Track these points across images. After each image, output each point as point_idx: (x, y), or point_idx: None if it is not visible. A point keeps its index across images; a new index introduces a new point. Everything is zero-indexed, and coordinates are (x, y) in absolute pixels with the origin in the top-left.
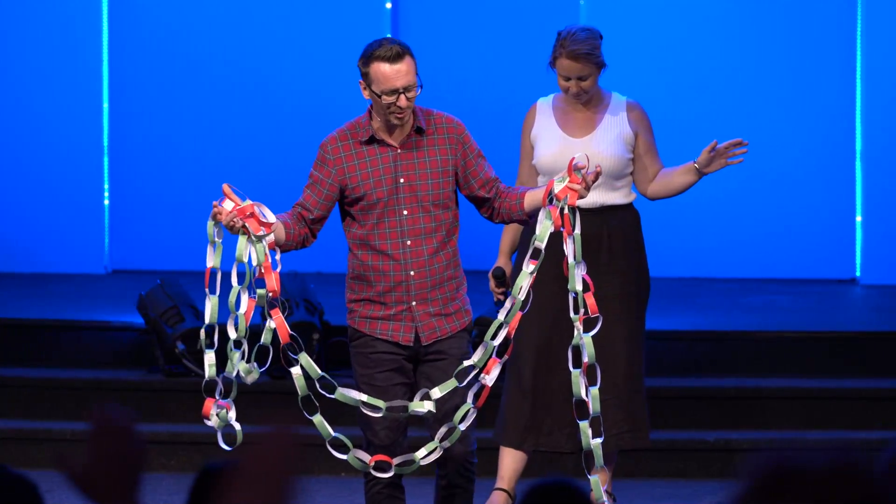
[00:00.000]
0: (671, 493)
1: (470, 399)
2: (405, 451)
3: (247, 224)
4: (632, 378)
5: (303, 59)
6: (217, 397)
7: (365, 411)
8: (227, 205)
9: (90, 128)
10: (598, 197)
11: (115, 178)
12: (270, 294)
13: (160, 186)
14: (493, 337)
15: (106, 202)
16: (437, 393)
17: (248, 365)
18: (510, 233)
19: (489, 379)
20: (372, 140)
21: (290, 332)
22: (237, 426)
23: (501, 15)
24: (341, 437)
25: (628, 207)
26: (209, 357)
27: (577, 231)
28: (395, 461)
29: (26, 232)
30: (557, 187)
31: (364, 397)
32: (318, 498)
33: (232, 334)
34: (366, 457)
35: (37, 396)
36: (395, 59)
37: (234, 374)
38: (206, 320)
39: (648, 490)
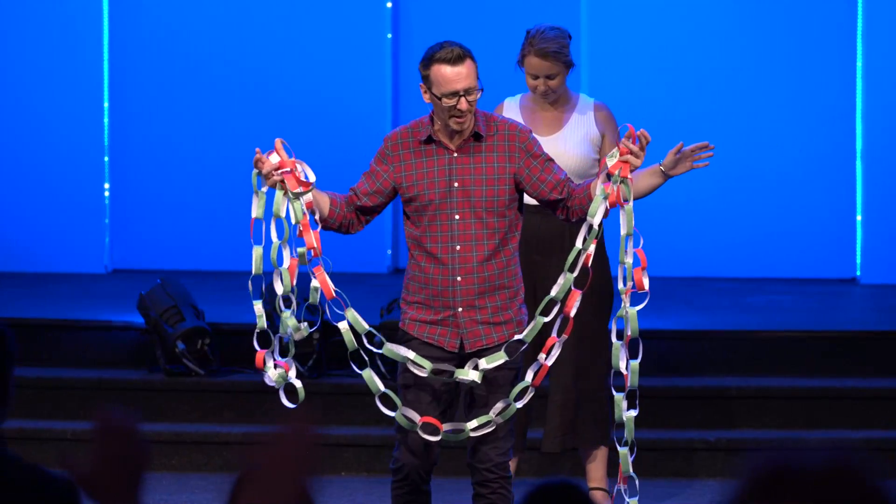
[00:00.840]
0: (671, 493)
1: (529, 377)
2: (433, 464)
3: (285, 179)
4: (581, 379)
5: (303, 58)
6: (275, 355)
7: (412, 369)
8: (274, 158)
9: (91, 127)
10: None
11: (115, 177)
12: (312, 252)
13: (160, 185)
14: (544, 313)
15: (106, 201)
16: (483, 363)
17: (297, 322)
18: None
19: (549, 359)
20: (430, 140)
21: (335, 288)
22: (298, 383)
23: (502, 14)
24: (390, 392)
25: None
26: (258, 307)
27: (630, 205)
28: (445, 427)
29: (26, 231)
30: (610, 162)
31: (412, 354)
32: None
33: (279, 289)
34: (415, 416)
35: (37, 396)
36: (456, 61)
37: (288, 332)
38: (253, 271)
39: (649, 490)
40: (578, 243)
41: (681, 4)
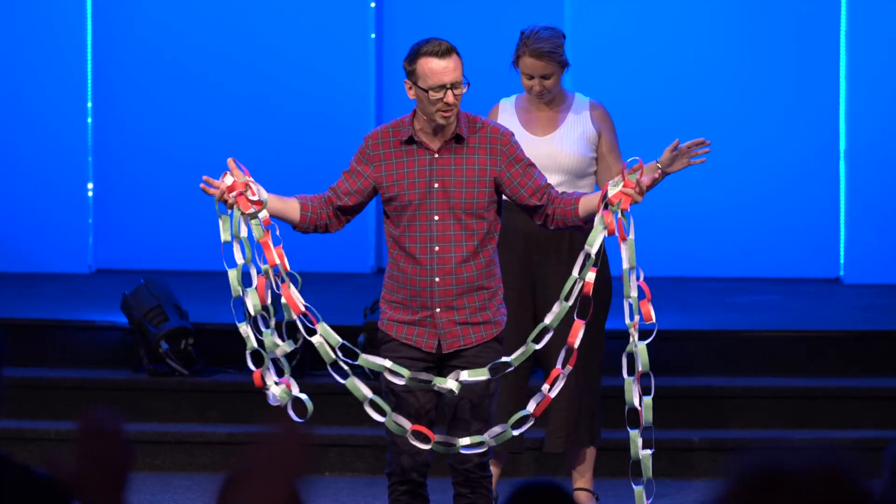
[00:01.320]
0: (658, 493)
1: (531, 407)
2: (426, 465)
3: (238, 201)
4: (580, 379)
5: (287, 57)
6: (269, 372)
7: (389, 378)
8: (228, 179)
9: (74, 127)
10: None
11: (98, 177)
12: (274, 268)
13: (144, 185)
14: (536, 340)
15: (90, 201)
16: (465, 375)
17: (274, 340)
18: None
19: (553, 391)
20: (411, 140)
21: (304, 303)
22: (305, 396)
23: (485, 14)
24: (378, 399)
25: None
26: (243, 329)
27: (632, 236)
28: (437, 437)
29: (10, 231)
30: (612, 192)
31: (388, 363)
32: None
33: (251, 309)
34: (406, 423)
35: (21, 396)
36: (443, 54)
37: (276, 351)
38: (233, 294)
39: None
40: (575, 272)
41: (664, 5)
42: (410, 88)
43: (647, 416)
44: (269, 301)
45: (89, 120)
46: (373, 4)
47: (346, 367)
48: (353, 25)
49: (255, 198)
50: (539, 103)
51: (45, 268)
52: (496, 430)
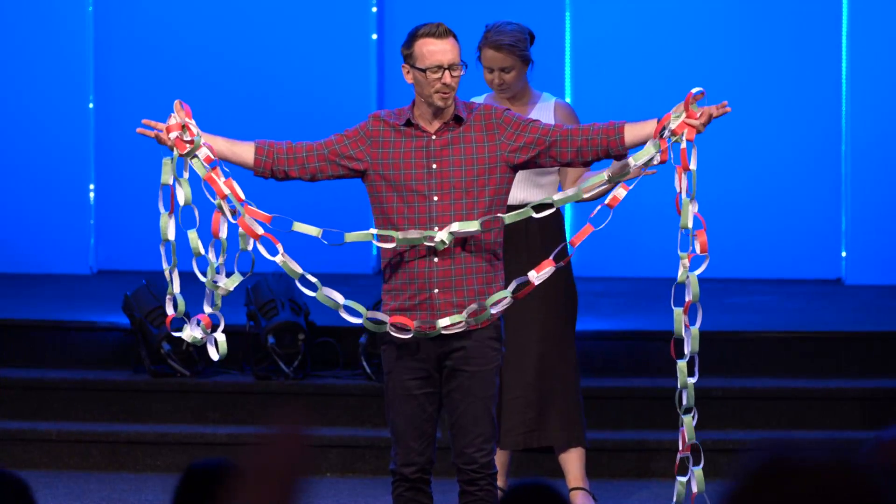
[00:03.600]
0: (657, 494)
1: (511, 288)
2: (430, 462)
3: (175, 142)
4: (545, 377)
5: (289, 59)
6: (206, 307)
7: (378, 244)
8: (171, 120)
9: (76, 128)
10: (520, 194)
11: (100, 178)
12: (222, 199)
13: (146, 186)
14: (535, 210)
15: (92, 202)
16: (456, 227)
17: (212, 280)
18: None
19: (537, 277)
20: (409, 123)
21: (266, 223)
22: (222, 338)
23: (487, 15)
24: (353, 303)
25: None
26: (167, 273)
27: (694, 166)
28: (415, 324)
29: (12, 232)
30: (674, 123)
31: (373, 230)
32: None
33: (198, 250)
34: (384, 317)
35: (22, 397)
36: (441, 35)
37: (211, 286)
38: (161, 237)
39: (634, 490)
40: (605, 175)
41: (665, 5)
42: (408, 73)
43: (693, 345)
44: (223, 235)
45: (91, 121)
46: (374, 9)
47: (314, 280)
48: (355, 27)
49: (189, 138)
50: (503, 100)
51: (46, 269)
52: (473, 307)
